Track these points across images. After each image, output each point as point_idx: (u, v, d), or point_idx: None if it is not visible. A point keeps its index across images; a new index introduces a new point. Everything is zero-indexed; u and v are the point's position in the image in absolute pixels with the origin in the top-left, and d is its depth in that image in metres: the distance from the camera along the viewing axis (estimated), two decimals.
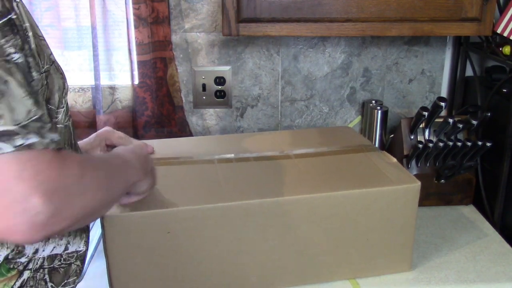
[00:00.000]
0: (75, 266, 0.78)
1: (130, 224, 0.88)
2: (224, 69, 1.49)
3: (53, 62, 0.72)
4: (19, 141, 0.55)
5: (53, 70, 0.70)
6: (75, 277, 0.79)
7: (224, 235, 0.92)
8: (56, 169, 0.57)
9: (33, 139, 0.56)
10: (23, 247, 0.69)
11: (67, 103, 0.75)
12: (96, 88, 1.41)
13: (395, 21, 1.18)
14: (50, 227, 0.56)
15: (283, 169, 1.04)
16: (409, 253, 1.03)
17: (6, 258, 0.68)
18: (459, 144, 1.21)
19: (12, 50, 0.58)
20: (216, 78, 1.49)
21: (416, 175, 1.28)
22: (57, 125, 0.69)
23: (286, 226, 0.94)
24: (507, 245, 1.15)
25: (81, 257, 0.79)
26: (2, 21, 0.58)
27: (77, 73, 1.49)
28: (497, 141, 1.21)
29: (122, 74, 1.43)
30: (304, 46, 1.48)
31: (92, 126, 1.46)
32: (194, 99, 1.50)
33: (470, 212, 1.30)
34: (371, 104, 1.47)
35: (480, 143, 1.20)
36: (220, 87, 1.50)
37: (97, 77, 1.39)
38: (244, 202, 0.91)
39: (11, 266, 0.68)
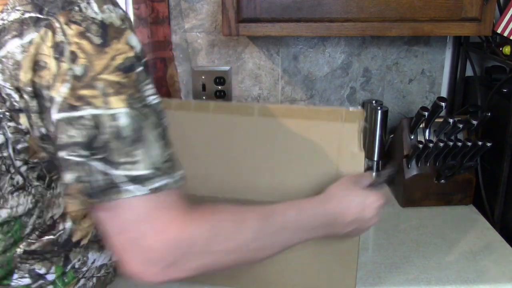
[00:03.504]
0: (112, 275, 0.82)
1: None
2: (224, 69, 1.49)
3: None
4: (154, 184, 0.60)
5: None
6: (109, 284, 0.83)
7: None
8: (185, 225, 0.61)
9: (166, 180, 0.61)
10: (87, 258, 0.75)
11: None
12: None
13: (395, 21, 1.18)
14: (168, 275, 0.61)
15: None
16: (351, 281, 0.95)
17: (73, 267, 0.73)
18: (459, 144, 1.21)
19: (149, 92, 0.63)
20: (216, 78, 1.49)
21: (416, 175, 1.29)
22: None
23: None
24: (507, 245, 1.15)
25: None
26: (142, 66, 0.63)
27: None
28: (497, 141, 1.21)
29: None
30: (304, 46, 1.48)
31: None
32: (194, 99, 1.50)
33: (470, 212, 1.30)
34: (371, 104, 1.47)
35: (480, 143, 1.20)
36: (220, 87, 1.50)
37: None
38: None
39: (76, 274, 0.74)
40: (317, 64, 1.50)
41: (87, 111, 0.59)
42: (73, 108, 0.59)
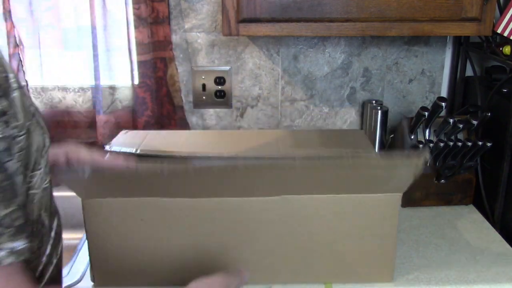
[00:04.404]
0: None
1: (107, 208, 0.92)
2: (224, 69, 1.49)
3: (34, 115, 0.62)
4: None
5: (34, 126, 0.61)
6: None
7: (197, 228, 0.94)
8: None
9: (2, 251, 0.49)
10: None
11: (47, 163, 0.66)
12: (96, 88, 1.40)
13: (395, 21, 1.18)
14: None
15: (268, 168, 0.99)
16: (390, 264, 1.01)
17: None
18: (459, 144, 1.21)
19: None
20: (216, 78, 1.49)
21: None
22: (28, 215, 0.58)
23: (257, 223, 0.94)
24: (507, 245, 1.15)
25: None
26: None
27: (77, 73, 1.49)
28: (497, 141, 1.21)
29: (122, 74, 1.43)
30: (304, 46, 1.48)
31: (92, 126, 1.46)
32: (194, 99, 1.50)
33: (470, 212, 1.30)
34: (371, 104, 1.47)
35: (480, 143, 1.20)
36: (220, 87, 1.50)
37: (97, 77, 1.39)
38: (217, 198, 0.92)
39: None
40: (317, 64, 1.50)
41: None
42: None
